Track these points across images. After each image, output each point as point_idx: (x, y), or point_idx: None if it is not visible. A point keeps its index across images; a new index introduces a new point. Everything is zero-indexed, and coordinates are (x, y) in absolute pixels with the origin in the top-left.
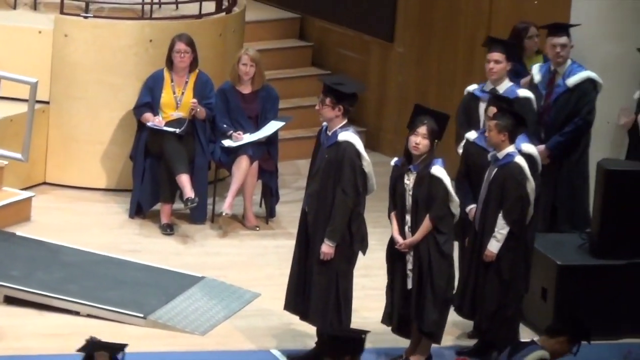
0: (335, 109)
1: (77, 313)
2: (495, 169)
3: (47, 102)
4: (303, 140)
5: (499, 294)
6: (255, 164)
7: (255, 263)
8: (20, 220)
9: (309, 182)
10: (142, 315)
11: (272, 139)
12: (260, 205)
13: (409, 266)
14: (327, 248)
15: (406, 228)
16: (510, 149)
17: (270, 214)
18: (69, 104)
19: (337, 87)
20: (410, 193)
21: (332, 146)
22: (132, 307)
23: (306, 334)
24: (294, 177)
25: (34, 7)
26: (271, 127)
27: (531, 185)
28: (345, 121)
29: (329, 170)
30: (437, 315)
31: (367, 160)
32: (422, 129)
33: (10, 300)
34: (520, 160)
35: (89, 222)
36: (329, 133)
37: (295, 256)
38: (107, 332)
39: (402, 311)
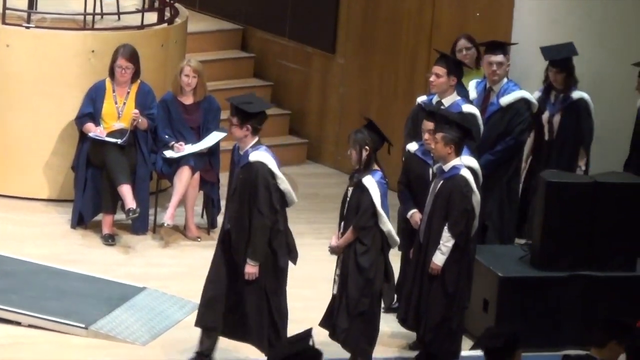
0: (244, 128)
1: (18, 323)
2: (441, 182)
3: None
4: None
5: (443, 307)
6: (197, 175)
7: (197, 274)
8: None
9: (228, 202)
10: (83, 325)
11: (214, 150)
12: (202, 216)
13: (337, 272)
14: (250, 268)
15: (340, 234)
16: (456, 161)
17: (212, 224)
18: (10, 114)
19: (243, 107)
20: (348, 200)
21: (245, 167)
22: (74, 318)
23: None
24: None
25: None
26: (213, 138)
27: (476, 198)
28: (255, 139)
29: (244, 190)
30: (347, 325)
31: (281, 177)
32: (350, 139)
33: None
34: (465, 173)
35: (31, 232)
36: (241, 153)
37: (222, 277)
38: (49, 342)
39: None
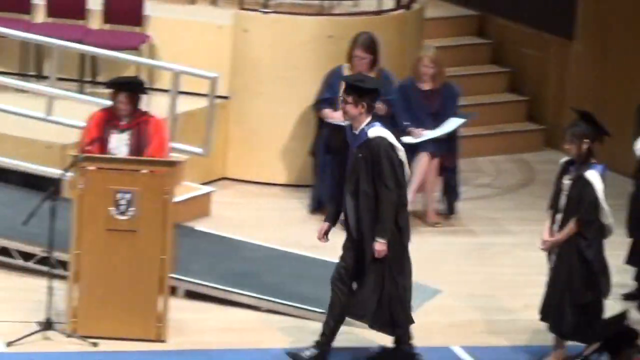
0: (359, 106)
1: (257, 308)
2: None
3: (227, 97)
4: (483, 137)
5: None
6: (436, 161)
7: (436, 259)
8: (201, 215)
9: (345, 184)
10: (322, 311)
11: (453, 136)
12: (441, 202)
13: (550, 265)
14: (380, 246)
15: (555, 227)
16: None
17: (450, 210)
18: (248, 99)
19: (358, 84)
20: (566, 193)
21: (363, 144)
22: (313, 303)
23: (489, 330)
24: (474, 174)
25: (214, 2)
26: (452, 124)
27: None
28: (370, 118)
29: (366, 168)
30: (576, 318)
31: (401, 149)
32: (568, 134)
33: (192, 295)
34: None
35: (269, 217)
36: (356, 132)
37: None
38: (288, 327)
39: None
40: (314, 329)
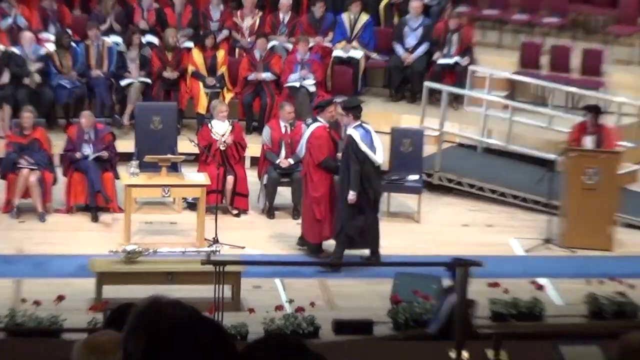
0: (349, 115)
1: None
2: None
3: None
4: None
5: None
6: None
7: None
8: (633, 181)
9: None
10: None
11: None
12: None
13: None
14: (352, 196)
15: None
16: None
17: None
18: None
19: (345, 103)
20: None
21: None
22: None
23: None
24: None
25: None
26: None
27: None
28: (355, 122)
29: (345, 151)
30: None
31: (362, 144)
32: None
33: (627, 225)
34: None
35: None
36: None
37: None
38: None
39: None
40: None
